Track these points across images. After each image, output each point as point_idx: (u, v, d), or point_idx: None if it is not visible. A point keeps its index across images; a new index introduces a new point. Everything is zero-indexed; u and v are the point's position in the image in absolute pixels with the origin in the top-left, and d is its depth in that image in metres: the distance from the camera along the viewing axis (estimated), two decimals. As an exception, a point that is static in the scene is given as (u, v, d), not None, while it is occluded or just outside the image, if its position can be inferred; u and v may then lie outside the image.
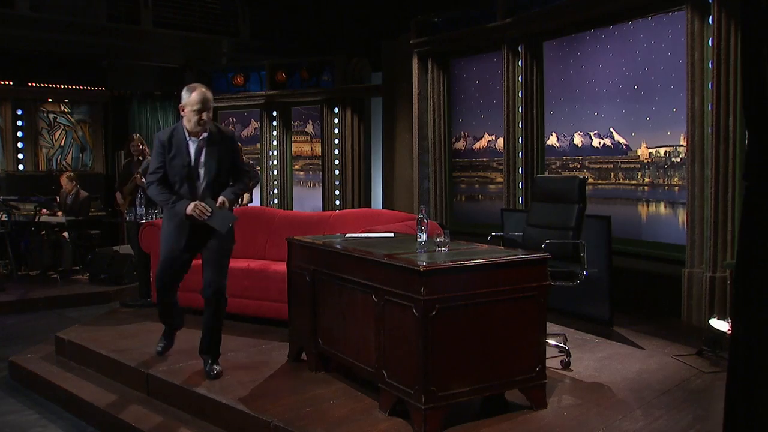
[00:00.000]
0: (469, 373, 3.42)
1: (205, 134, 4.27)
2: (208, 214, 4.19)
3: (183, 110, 4.24)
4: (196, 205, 4.19)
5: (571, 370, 4.33)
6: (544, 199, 4.92)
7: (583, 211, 4.63)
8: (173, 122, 11.71)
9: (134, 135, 8.47)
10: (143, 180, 7.90)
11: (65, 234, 8.96)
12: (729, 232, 5.40)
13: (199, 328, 5.50)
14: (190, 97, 4.21)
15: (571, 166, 7.15)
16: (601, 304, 5.42)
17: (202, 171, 4.30)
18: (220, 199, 4.28)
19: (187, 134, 4.27)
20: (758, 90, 2.10)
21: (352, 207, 10.79)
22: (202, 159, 4.29)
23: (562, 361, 4.38)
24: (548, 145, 7.44)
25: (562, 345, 4.47)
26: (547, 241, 4.42)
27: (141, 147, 8.20)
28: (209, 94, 4.28)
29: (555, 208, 4.76)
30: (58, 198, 9.14)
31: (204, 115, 4.21)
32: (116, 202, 8.29)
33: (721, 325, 4.74)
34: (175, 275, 4.48)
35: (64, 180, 9.14)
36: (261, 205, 11.00)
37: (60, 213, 8.87)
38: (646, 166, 6.35)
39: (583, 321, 5.51)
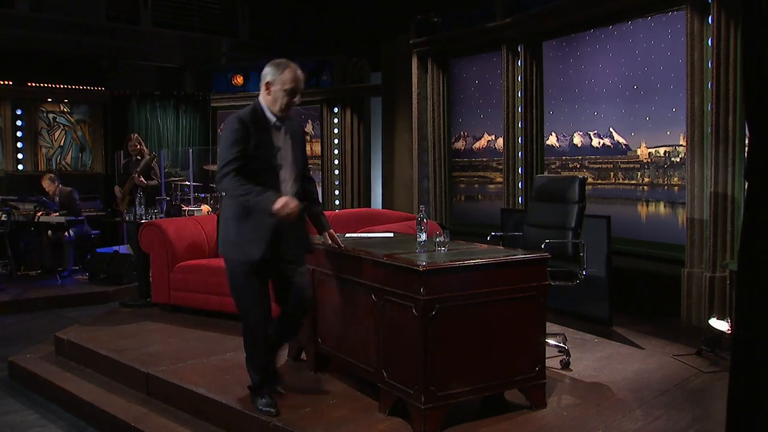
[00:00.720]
0: (469, 372, 3.42)
1: (287, 121, 3.65)
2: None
3: (269, 88, 3.55)
4: (288, 201, 3.41)
5: (571, 370, 4.33)
6: (543, 199, 4.92)
7: (582, 210, 4.63)
8: (173, 122, 11.74)
9: (132, 135, 8.47)
10: (141, 179, 7.92)
11: (65, 234, 8.94)
12: (729, 232, 5.40)
13: (199, 327, 5.56)
14: (282, 74, 3.52)
15: (570, 166, 7.16)
16: (601, 304, 5.42)
17: (288, 164, 3.65)
18: (330, 233, 3.90)
19: (271, 118, 3.60)
20: (759, 90, 2.10)
21: (352, 207, 10.80)
22: (290, 150, 3.66)
23: (561, 361, 4.38)
24: (548, 145, 7.44)
25: (561, 345, 4.46)
26: (547, 240, 4.42)
27: (139, 147, 8.21)
28: (302, 74, 3.60)
29: (554, 208, 4.76)
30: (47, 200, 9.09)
31: (297, 98, 3.59)
32: (115, 202, 8.28)
33: (721, 325, 4.74)
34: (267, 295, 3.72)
35: (46, 183, 9.06)
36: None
37: (55, 214, 8.85)
38: (646, 166, 6.35)
39: (582, 321, 5.51)
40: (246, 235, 3.54)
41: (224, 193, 3.74)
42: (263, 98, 3.59)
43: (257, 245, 3.53)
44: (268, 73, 3.56)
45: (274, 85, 3.54)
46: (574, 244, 4.52)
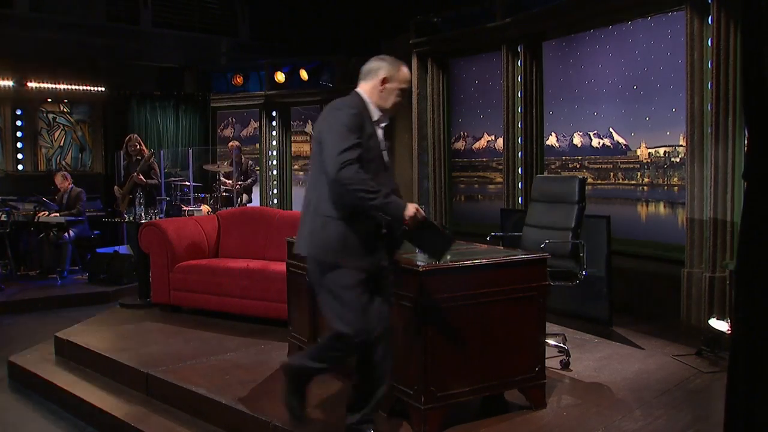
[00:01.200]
0: (469, 373, 3.42)
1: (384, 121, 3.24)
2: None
3: (383, 84, 3.17)
4: (418, 208, 3.04)
5: (571, 370, 4.33)
6: (543, 199, 4.92)
7: (582, 211, 4.63)
8: (173, 123, 11.73)
9: (132, 135, 8.48)
10: (141, 177, 7.92)
11: (66, 233, 8.95)
12: (728, 232, 5.40)
13: (199, 327, 5.56)
14: (400, 71, 3.21)
15: (570, 166, 7.16)
16: (601, 304, 5.42)
17: (390, 164, 3.30)
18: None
19: (374, 114, 3.18)
20: (758, 89, 2.10)
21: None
22: (387, 150, 3.27)
23: (561, 361, 4.38)
24: (548, 145, 7.44)
25: (561, 345, 4.47)
26: (547, 241, 4.42)
27: (138, 147, 8.22)
28: None
29: (554, 208, 4.76)
30: (56, 198, 9.10)
31: (404, 101, 3.29)
32: (115, 202, 8.29)
33: (721, 325, 4.74)
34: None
35: (59, 179, 9.09)
36: (261, 205, 11.00)
37: (58, 213, 8.85)
38: (646, 166, 6.36)
39: (582, 321, 5.51)
40: (366, 237, 3.08)
41: (331, 186, 3.03)
42: (370, 93, 3.19)
43: (379, 249, 3.13)
44: (382, 67, 3.21)
45: (391, 81, 3.18)
46: (574, 244, 4.51)
